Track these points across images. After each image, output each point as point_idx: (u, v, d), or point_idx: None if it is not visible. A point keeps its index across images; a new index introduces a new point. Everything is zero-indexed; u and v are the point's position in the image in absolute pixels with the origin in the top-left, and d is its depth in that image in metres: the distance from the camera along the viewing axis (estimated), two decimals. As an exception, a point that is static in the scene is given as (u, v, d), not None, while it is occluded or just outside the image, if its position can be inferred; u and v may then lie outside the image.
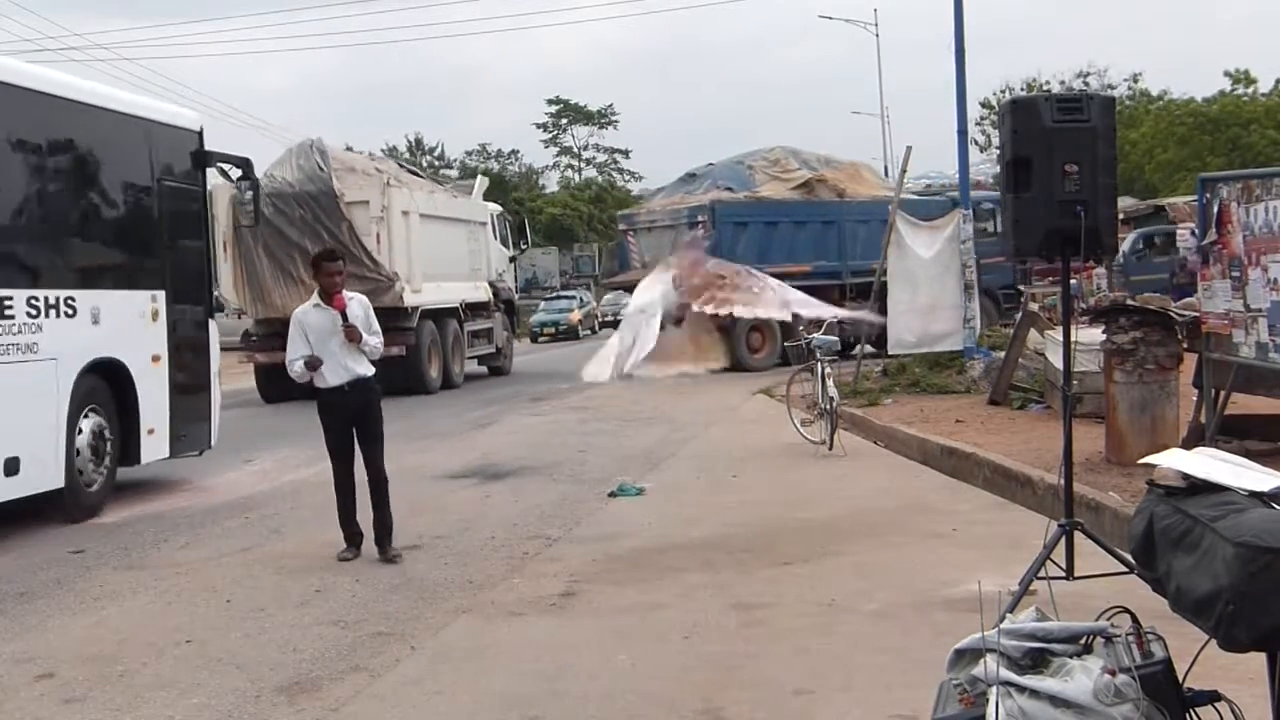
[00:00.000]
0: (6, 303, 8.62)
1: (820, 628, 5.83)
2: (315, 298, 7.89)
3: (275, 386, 17.58)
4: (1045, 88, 47.91)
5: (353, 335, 7.66)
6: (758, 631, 5.83)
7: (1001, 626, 3.20)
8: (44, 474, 9.01)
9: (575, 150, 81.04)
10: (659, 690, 5.04)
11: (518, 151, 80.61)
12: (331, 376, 7.72)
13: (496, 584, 6.97)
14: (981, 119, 49.01)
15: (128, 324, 10.10)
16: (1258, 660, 2.90)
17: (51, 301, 9.12)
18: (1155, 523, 3.03)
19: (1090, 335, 10.08)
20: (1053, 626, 3.20)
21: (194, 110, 12.09)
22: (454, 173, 70.00)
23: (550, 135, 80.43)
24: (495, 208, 25.01)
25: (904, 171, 18.74)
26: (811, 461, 11.20)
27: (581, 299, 46.67)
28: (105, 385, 9.83)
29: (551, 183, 75.32)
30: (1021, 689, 2.99)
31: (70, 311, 9.33)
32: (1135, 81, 51.22)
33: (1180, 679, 3.05)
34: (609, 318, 45.64)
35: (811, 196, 23.41)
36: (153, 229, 10.65)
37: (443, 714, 4.95)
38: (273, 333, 16.73)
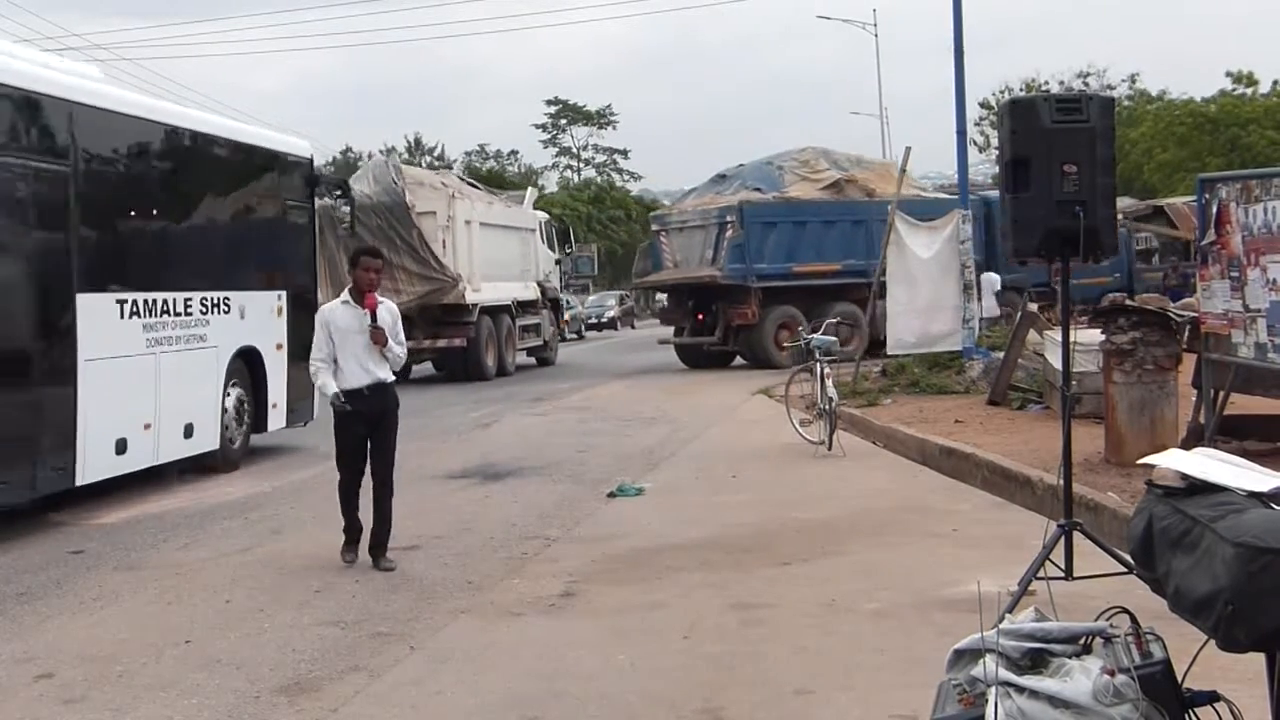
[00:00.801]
0: (188, 302, 11.11)
1: (820, 627, 5.84)
2: (345, 294, 7.62)
3: None
4: (1044, 88, 47.92)
5: (378, 338, 7.40)
6: (757, 631, 5.83)
7: (1001, 627, 3.20)
8: (206, 437, 11.43)
9: (574, 150, 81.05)
10: (659, 690, 5.04)
11: (517, 152, 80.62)
12: (351, 377, 7.44)
13: (496, 584, 6.98)
14: (981, 119, 49.03)
15: (262, 318, 12.50)
16: (1257, 661, 2.90)
17: (215, 301, 11.57)
18: (1154, 523, 3.03)
19: (1089, 336, 10.09)
20: (1052, 627, 3.20)
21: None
22: (453, 172, 69.93)
23: (549, 136, 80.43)
24: (543, 215, 27.87)
25: (903, 171, 18.76)
26: (811, 462, 11.21)
27: (622, 297, 48.66)
28: (244, 367, 12.22)
29: (550, 183, 75.31)
30: (1021, 689, 2.99)
31: (226, 309, 11.74)
32: (1134, 82, 51.23)
33: (1179, 679, 3.05)
34: (591, 320, 46.46)
35: (841, 196, 23.52)
36: (279, 240, 13.13)
37: (442, 714, 4.95)
38: None
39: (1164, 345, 8.90)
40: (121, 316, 10.11)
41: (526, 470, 11.31)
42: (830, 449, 11.41)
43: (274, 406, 12.72)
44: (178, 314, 10.91)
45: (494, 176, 58.01)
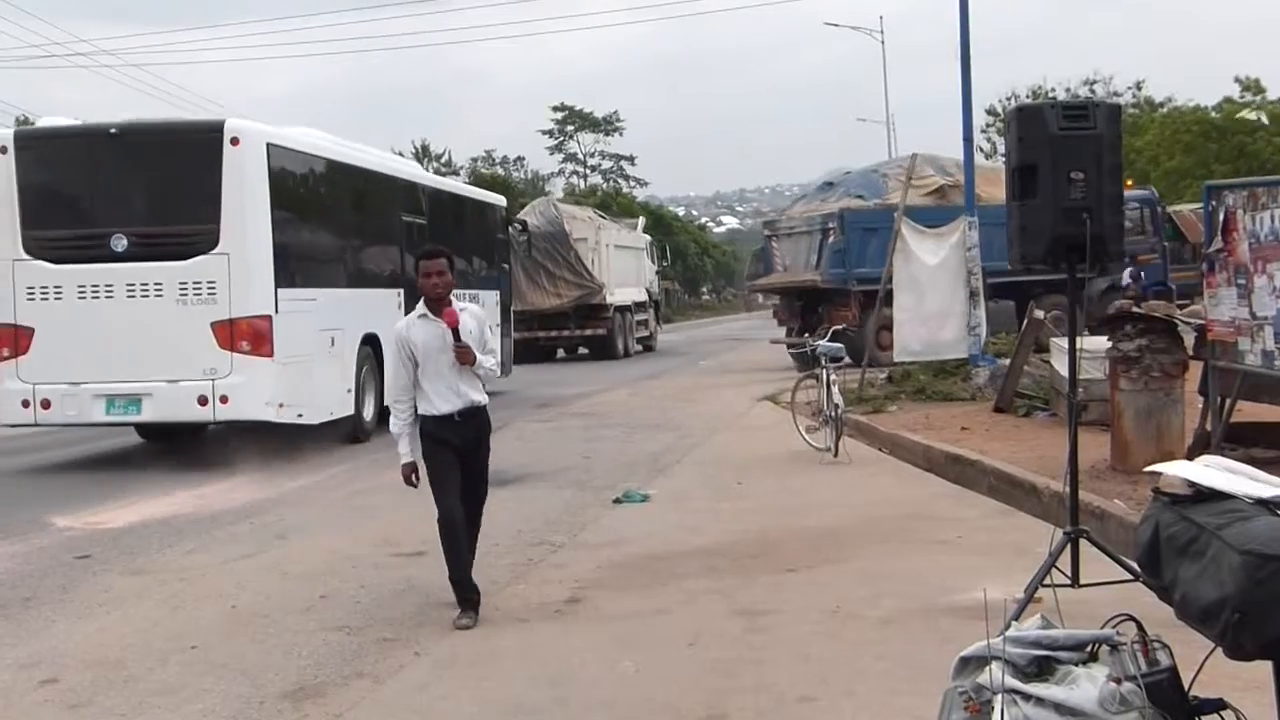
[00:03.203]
0: (466, 297, 13.49)
1: (825, 634, 5.83)
2: (421, 307, 6.48)
3: (527, 354, 27.20)
4: (1051, 95, 47.84)
5: (465, 357, 6.33)
6: (762, 638, 5.82)
7: (1007, 634, 3.19)
8: None
9: (580, 157, 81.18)
10: (663, 696, 5.03)
11: (523, 158, 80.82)
12: (441, 402, 6.39)
13: (501, 590, 6.97)
14: (987, 126, 48.92)
15: (490, 308, 18.47)
16: (1263, 668, 2.89)
17: (474, 296, 16.99)
18: (1161, 530, 3.03)
19: (1096, 343, 10.07)
20: (1058, 634, 3.19)
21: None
22: (459, 178, 70.16)
23: (556, 142, 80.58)
24: (648, 237, 37.47)
25: (909, 179, 18.74)
26: (816, 468, 11.20)
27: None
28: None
29: (557, 189, 75.41)
30: (1027, 697, 2.99)
31: (478, 300, 16.86)
32: (1139, 89, 51.13)
33: (1186, 687, 3.04)
34: None
35: (944, 202, 23.70)
36: (493, 258, 20.59)
37: (447, 720, 4.95)
38: (522, 319, 26.92)
39: (1170, 352, 8.88)
40: None
41: (532, 476, 11.31)
42: (836, 456, 11.40)
43: (503, 365, 17.02)
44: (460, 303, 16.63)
45: (499, 182, 58.76)
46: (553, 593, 6.85)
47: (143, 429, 14.41)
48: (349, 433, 14.13)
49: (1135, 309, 9.77)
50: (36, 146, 12.90)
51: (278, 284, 12.45)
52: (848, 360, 12.76)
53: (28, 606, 7.00)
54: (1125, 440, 8.86)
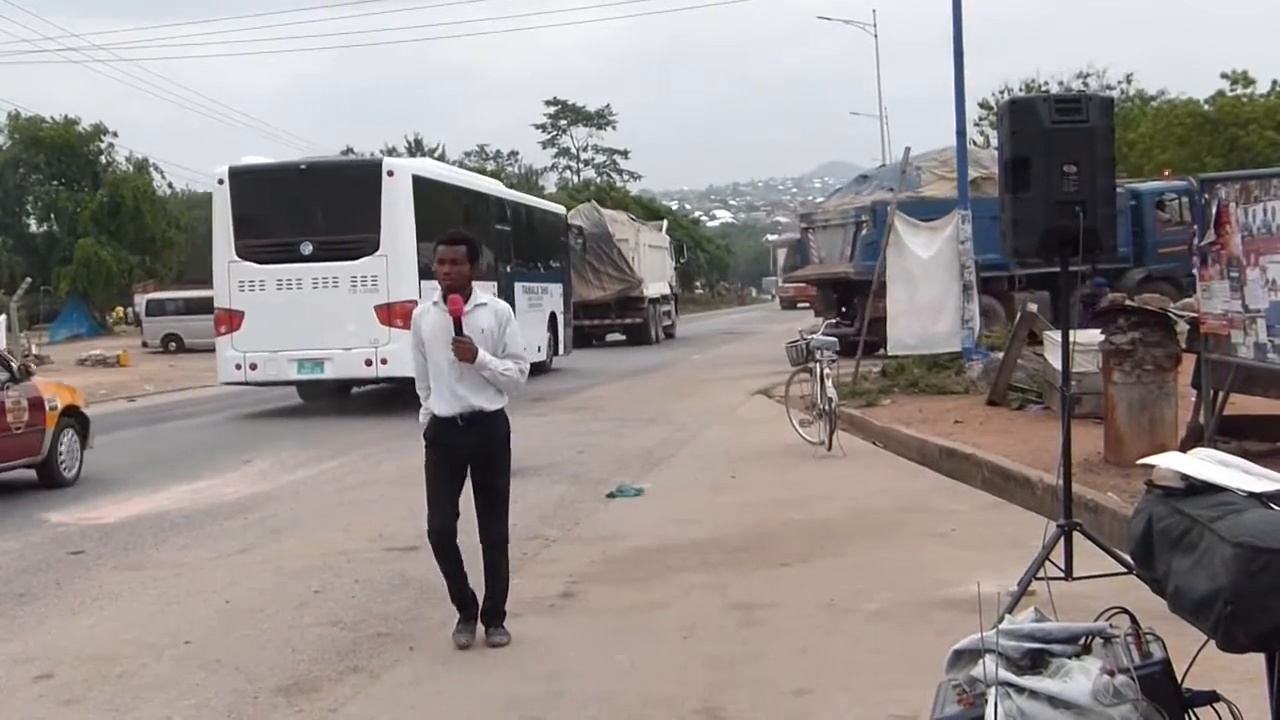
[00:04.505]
0: (538, 289, 23.78)
1: (819, 628, 5.84)
2: (437, 294, 5.90)
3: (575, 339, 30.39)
4: (1044, 88, 47.87)
5: (462, 352, 5.62)
6: (757, 631, 5.83)
7: (1000, 627, 3.20)
8: (542, 354, 23.06)
9: (574, 151, 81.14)
10: (658, 690, 5.04)
11: (516, 153, 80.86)
12: (439, 401, 5.81)
13: (495, 585, 6.96)
14: (980, 120, 48.95)
15: (555, 297, 25.05)
16: (1256, 660, 2.90)
17: (545, 288, 24.22)
18: (1154, 523, 3.03)
19: (1089, 336, 10.08)
20: (1051, 627, 3.20)
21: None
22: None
23: (549, 136, 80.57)
24: (669, 237, 42.76)
25: (904, 172, 18.76)
26: (810, 462, 11.20)
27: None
28: (549, 320, 24.61)
29: (550, 184, 75.41)
30: (1020, 689, 2.99)
31: (546, 291, 24.32)
32: (1128, 82, 51.15)
33: (1179, 679, 3.05)
34: None
35: (978, 194, 23.73)
36: (559, 257, 26.50)
37: (442, 714, 4.95)
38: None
39: (1163, 345, 8.89)
40: (526, 295, 22.41)
41: (526, 471, 11.27)
42: (830, 449, 11.41)
43: (561, 344, 25.56)
44: (535, 293, 23.68)
45: (494, 178, 59.18)
46: (547, 587, 6.85)
47: (302, 390, 18.43)
48: None
49: (1129, 302, 9.78)
50: (245, 178, 17.40)
51: (420, 277, 16.26)
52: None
53: (21, 602, 6.99)
54: (1118, 433, 8.88)
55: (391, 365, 16.14)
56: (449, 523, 5.79)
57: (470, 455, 5.80)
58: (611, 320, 34.24)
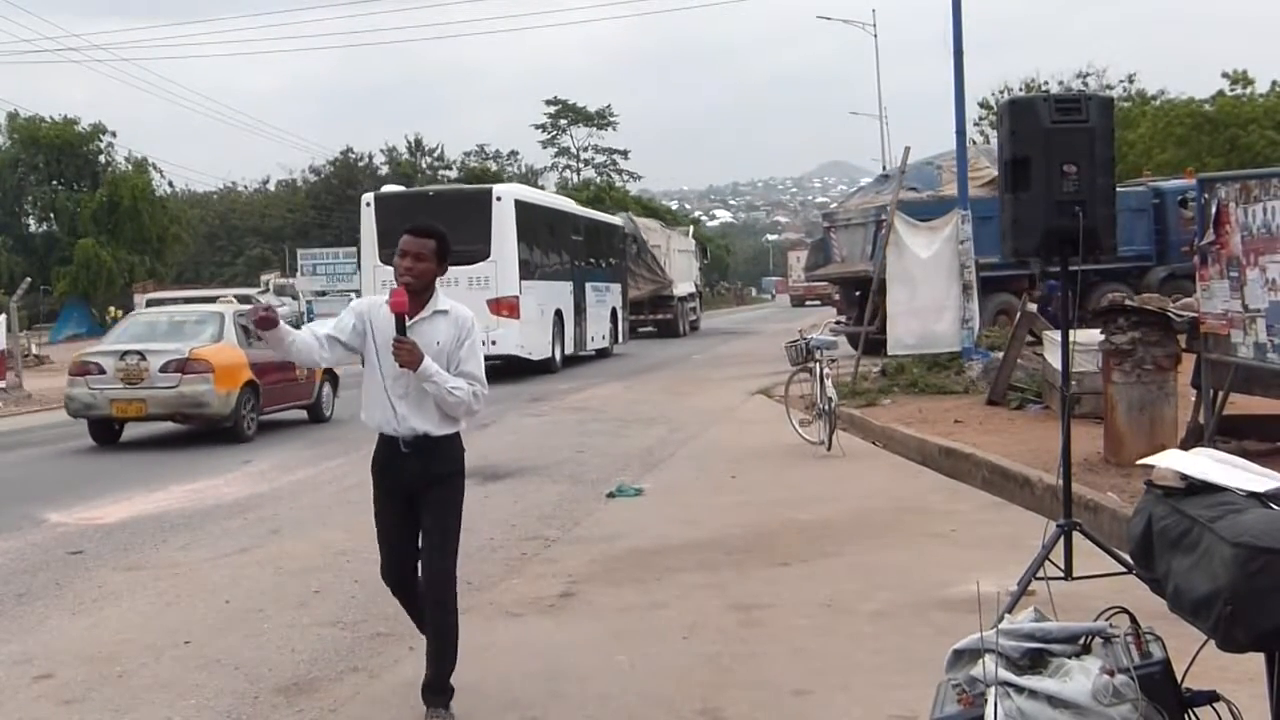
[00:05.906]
0: (604, 287, 29.39)
1: (819, 628, 5.84)
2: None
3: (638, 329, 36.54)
4: (1044, 88, 47.85)
5: (403, 355, 4.64)
6: (756, 632, 5.83)
7: (1000, 627, 3.20)
8: (605, 343, 29.10)
9: (574, 151, 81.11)
10: (658, 691, 5.04)
11: (516, 152, 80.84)
12: (376, 412, 4.85)
13: (495, 585, 6.97)
14: (980, 119, 48.93)
15: (615, 295, 30.48)
16: (1256, 660, 2.90)
17: (607, 287, 29.77)
18: (1154, 523, 3.03)
19: (1089, 335, 10.08)
20: (1051, 627, 3.20)
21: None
22: (452, 173, 70.16)
23: (549, 136, 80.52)
24: (694, 241, 46.35)
25: (903, 172, 18.76)
26: (810, 462, 11.20)
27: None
28: (612, 314, 30.05)
29: (550, 183, 75.35)
30: (1020, 689, 2.99)
31: (608, 290, 29.74)
32: (1130, 82, 51.13)
33: (1179, 679, 3.05)
34: None
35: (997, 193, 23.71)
36: (618, 260, 31.59)
37: (441, 715, 4.94)
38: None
39: (1163, 345, 8.89)
40: (594, 292, 27.72)
41: (526, 470, 11.30)
42: (829, 449, 11.41)
43: (620, 333, 30.52)
44: (601, 290, 28.54)
45: (492, 177, 59.69)
46: (547, 587, 6.85)
47: None
48: (544, 367, 23.54)
49: (1128, 302, 9.78)
50: (385, 202, 22.45)
51: (520, 277, 22.12)
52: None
53: (21, 602, 6.99)
54: (1118, 433, 8.88)
55: (500, 346, 20.88)
56: (406, 574, 4.99)
57: (415, 487, 4.84)
58: (645, 316, 37.95)
